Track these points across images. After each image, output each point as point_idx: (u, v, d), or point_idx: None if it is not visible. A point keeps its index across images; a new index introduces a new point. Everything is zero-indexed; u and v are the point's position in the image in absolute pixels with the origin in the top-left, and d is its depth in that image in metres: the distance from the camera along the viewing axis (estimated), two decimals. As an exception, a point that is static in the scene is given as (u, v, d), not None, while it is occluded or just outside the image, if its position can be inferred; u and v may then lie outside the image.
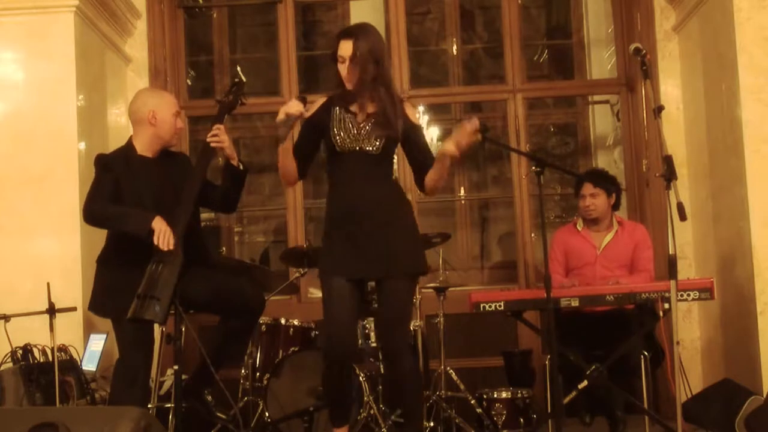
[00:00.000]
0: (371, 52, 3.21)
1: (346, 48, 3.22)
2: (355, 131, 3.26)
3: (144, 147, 3.71)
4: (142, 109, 3.70)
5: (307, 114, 3.28)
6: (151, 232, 3.39)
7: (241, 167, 3.70)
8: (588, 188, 4.42)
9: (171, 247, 3.39)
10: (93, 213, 3.58)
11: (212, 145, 3.60)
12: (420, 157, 3.36)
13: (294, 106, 3.15)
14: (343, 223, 3.27)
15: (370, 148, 3.26)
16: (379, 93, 3.25)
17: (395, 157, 3.47)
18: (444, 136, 7.34)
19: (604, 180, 4.45)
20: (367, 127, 3.26)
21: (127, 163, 3.66)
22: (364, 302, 3.56)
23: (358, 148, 3.25)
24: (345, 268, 3.24)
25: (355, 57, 3.20)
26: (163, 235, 3.39)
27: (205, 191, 3.67)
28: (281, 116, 3.15)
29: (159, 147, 3.73)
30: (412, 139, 3.34)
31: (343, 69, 3.24)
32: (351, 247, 3.24)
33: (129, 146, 3.74)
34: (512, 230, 5.74)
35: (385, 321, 3.35)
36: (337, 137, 3.26)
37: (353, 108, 3.29)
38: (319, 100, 3.37)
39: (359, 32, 3.26)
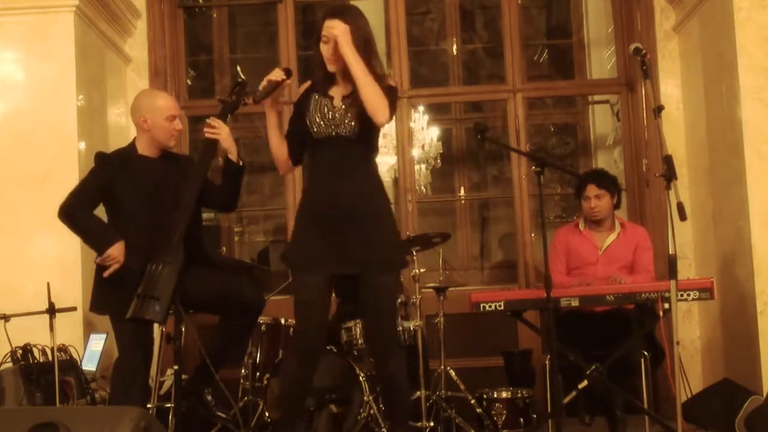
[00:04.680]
0: (360, 32, 3.16)
1: (331, 27, 3.16)
2: (331, 115, 3.20)
3: (143, 148, 3.76)
4: (135, 114, 3.77)
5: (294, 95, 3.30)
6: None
7: (241, 163, 3.70)
8: (593, 190, 4.41)
9: (110, 271, 3.50)
10: (63, 213, 3.67)
11: (207, 135, 3.60)
12: None
13: (276, 74, 3.22)
14: (322, 216, 3.17)
15: (346, 132, 3.18)
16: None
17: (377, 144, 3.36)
18: (444, 136, 7.35)
19: (607, 181, 4.45)
20: (342, 109, 3.20)
21: (126, 163, 3.71)
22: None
23: (334, 133, 3.19)
24: (326, 264, 3.16)
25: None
26: (110, 261, 3.51)
27: (206, 190, 3.68)
28: (264, 83, 3.21)
29: (157, 148, 3.75)
30: None
31: (326, 49, 3.18)
32: (331, 241, 3.15)
33: (131, 146, 3.80)
34: (512, 230, 5.74)
35: (376, 320, 3.23)
36: (313, 123, 3.20)
37: (331, 92, 3.25)
38: (304, 86, 3.32)
39: (347, 12, 3.20)
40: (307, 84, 3.32)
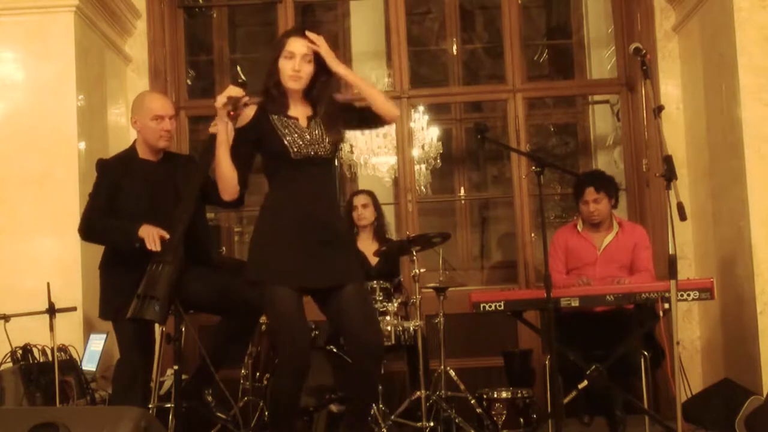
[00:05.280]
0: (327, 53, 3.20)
1: (300, 45, 3.16)
2: (307, 136, 3.18)
3: (142, 150, 3.78)
4: (131, 116, 3.83)
5: (242, 116, 3.18)
6: (142, 242, 3.43)
7: None
8: (591, 193, 4.40)
9: (158, 246, 3.41)
10: (83, 233, 3.70)
11: (211, 130, 3.60)
12: (364, 110, 3.31)
13: (234, 90, 3.12)
14: (295, 233, 3.15)
15: (323, 151, 3.19)
16: (327, 94, 3.23)
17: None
18: (444, 136, 7.36)
19: (605, 183, 4.44)
20: (315, 129, 3.20)
21: (126, 167, 3.73)
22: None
23: (312, 153, 3.17)
24: (305, 279, 3.15)
25: (310, 56, 3.16)
26: (151, 238, 3.43)
27: (210, 189, 3.68)
28: (222, 100, 3.10)
29: (152, 150, 3.76)
30: (351, 113, 3.32)
31: (290, 65, 3.15)
32: (310, 257, 3.14)
33: (131, 149, 3.82)
34: (512, 230, 5.74)
35: (362, 323, 3.19)
36: (293, 144, 3.15)
37: (291, 113, 3.22)
38: (248, 111, 3.21)
39: (312, 33, 3.21)
40: (253, 109, 3.22)
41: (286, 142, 3.16)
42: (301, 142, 3.17)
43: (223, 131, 3.14)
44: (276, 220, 3.21)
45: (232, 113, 3.10)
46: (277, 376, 3.26)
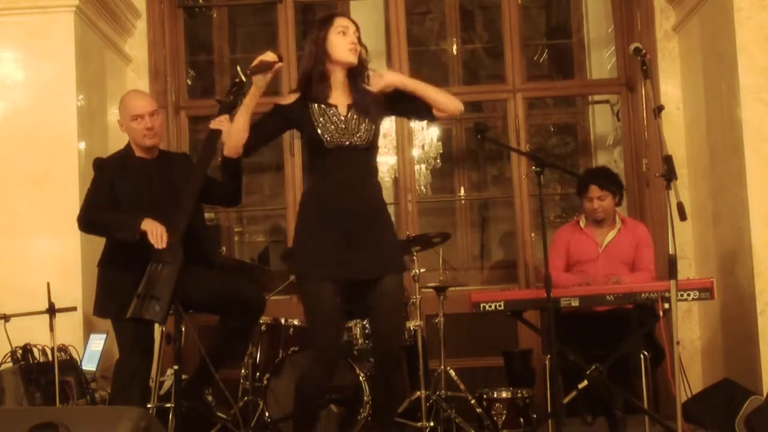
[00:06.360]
0: None
1: (349, 22, 3.22)
2: (343, 125, 3.18)
3: (137, 149, 3.77)
4: (118, 119, 3.83)
5: (285, 97, 3.22)
6: (144, 234, 3.41)
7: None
8: (595, 191, 4.39)
9: (164, 245, 3.40)
10: (83, 222, 3.67)
11: (212, 126, 3.61)
12: (417, 101, 3.29)
13: (268, 55, 3.16)
14: (334, 223, 3.15)
15: (359, 141, 3.17)
16: (362, 80, 3.27)
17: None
18: (444, 136, 7.36)
19: (609, 182, 4.43)
20: (354, 119, 3.19)
21: (124, 166, 3.72)
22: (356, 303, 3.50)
23: (347, 143, 3.17)
24: (344, 271, 3.15)
25: (359, 32, 3.21)
26: (156, 234, 3.40)
27: (208, 187, 3.69)
28: (255, 63, 3.14)
29: (142, 149, 3.75)
30: (399, 102, 3.31)
31: (347, 39, 3.17)
32: (344, 248, 3.14)
33: (127, 148, 3.81)
34: (512, 230, 5.74)
35: (384, 325, 3.23)
36: (326, 133, 3.15)
37: (332, 100, 3.22)
38: (292, 96, 3.26)
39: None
40: (296, 95, 3.24)
41: (319, 131, 3.17)
42: (335, 132, 3.17)
43: (252, 94, 3.17)
44: (315, 211, 3.22)
45: (247, 71, 3.15)
46: (309, 370, 3.26)
